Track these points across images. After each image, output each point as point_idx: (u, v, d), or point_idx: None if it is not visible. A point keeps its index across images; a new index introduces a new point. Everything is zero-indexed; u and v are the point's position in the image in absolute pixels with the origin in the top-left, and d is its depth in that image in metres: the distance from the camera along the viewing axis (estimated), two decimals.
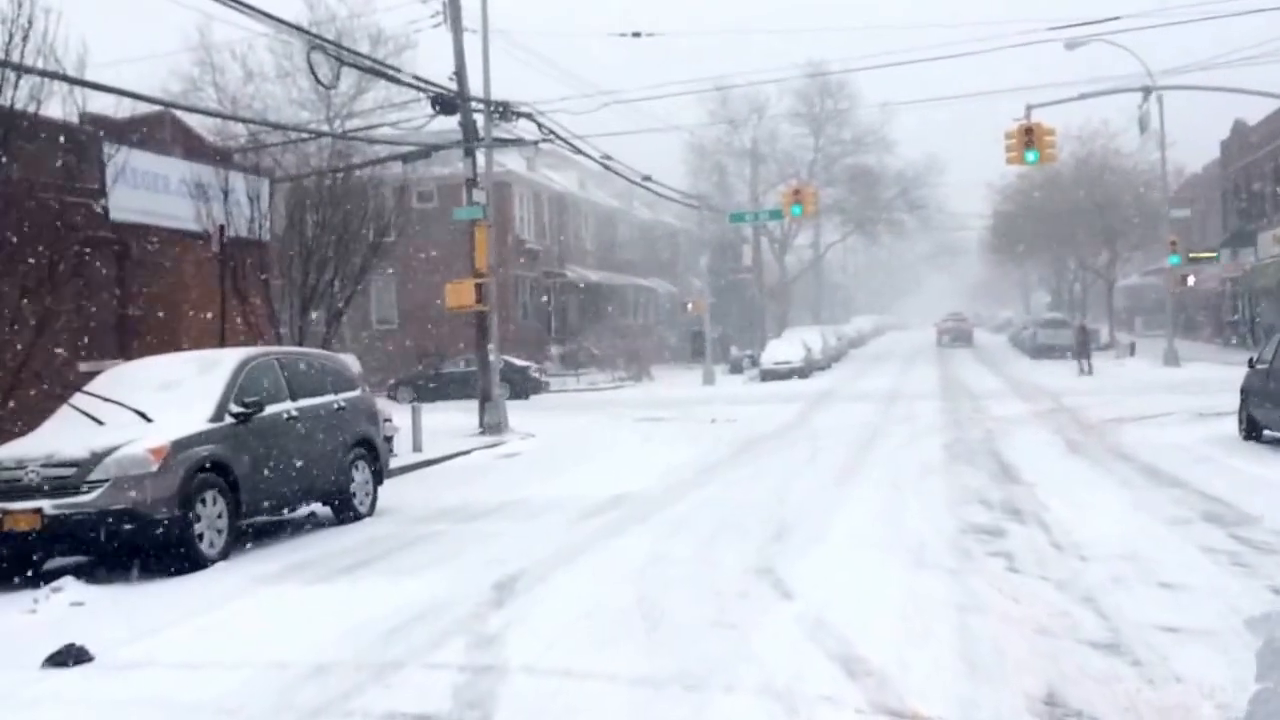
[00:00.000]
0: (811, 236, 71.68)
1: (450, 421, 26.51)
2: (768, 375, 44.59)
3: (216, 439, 10.61)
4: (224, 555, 10.45)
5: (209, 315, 19.93)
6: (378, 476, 13.43)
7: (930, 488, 13.38)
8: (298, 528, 12.56)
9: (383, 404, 32.38)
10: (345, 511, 12.66)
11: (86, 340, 19.19)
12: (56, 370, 16.09)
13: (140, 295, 20.34)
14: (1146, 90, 29.52)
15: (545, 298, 50.74)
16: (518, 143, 26.53)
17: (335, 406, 12.64)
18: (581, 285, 53.75)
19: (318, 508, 12.92)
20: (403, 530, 12.06)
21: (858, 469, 15.57)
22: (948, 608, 7.49)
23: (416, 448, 20.36)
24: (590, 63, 43.76)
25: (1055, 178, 55.94)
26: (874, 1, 63.99)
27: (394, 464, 18.80)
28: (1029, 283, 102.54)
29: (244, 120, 24.64)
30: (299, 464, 11.69)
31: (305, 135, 32.84)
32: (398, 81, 24.19)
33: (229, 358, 11.57)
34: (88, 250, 19.68)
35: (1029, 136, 27.40)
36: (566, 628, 7.41)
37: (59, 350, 16.87)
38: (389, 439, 19.60)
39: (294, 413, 11.79)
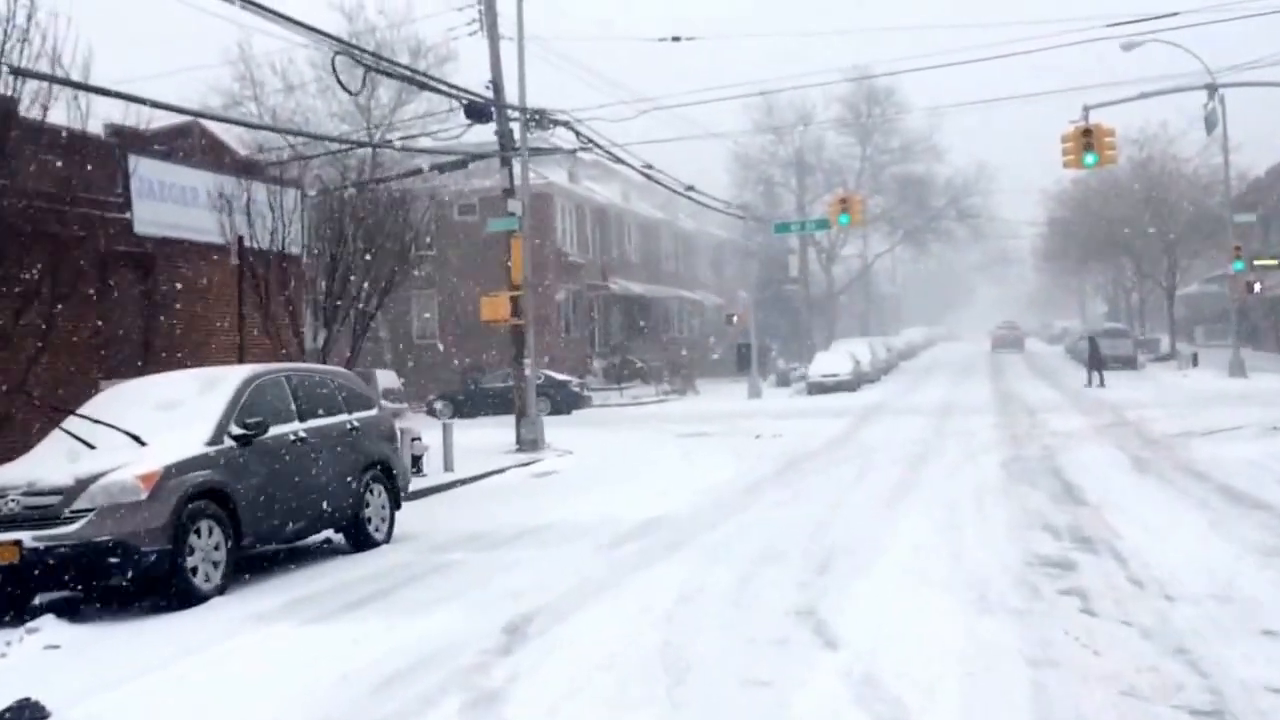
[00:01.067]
0: (859, 246, 70.48)
1: (487, 438, 25.74)
2: (815, 388, 43.51)
3: (214, 463, 9.84)
4: (221, 589, 9.67)
5: (235, 331, 19.35)
6: (395, 501, 12.61)
7: (989, 511, 12.36)
8: (309, 556, 11.78)
9: (412, 421, 31.89)
10: (360, 539, 11.86)
11: (109, 357, 18.68)
12: (80, 389, 15.53)
13: (166, 311, 19.79)
14: (1211, 88, 28.24)
15: (588, 311, 50.00)
16: (555, 151, 25.80)
17: (348, 427, 11.85)
18: (625, 298, 52.97)
19: (332, 534, 12.14)
20: (419, 559, 11.23)
21: (909, 489, 14.56)
22: (1017, 661, 6.51)
23: (448, 467, 19.59)
24: (629, 69, 42.99)
25: (1112, 183, 54.48)
26: (921, 2, 62.63)
27: (423, 484, 18.07)
28: (1085, 292, 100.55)
29: (271, 129, 24.04)
30: (307, 489, 10.91)
31: (343, 145, 32.35)
32: (429, 88, 23.55)
33: (232, 376, 10.80)
34: (110, 265, 19.21)
35: (1087, 138, 26.22)
36: (579, 682, 6.52)
37: (72, 369, 16.31)
38: (417, 458, 18.87)
39: (302, 434, 11.01)
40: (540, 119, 24.15)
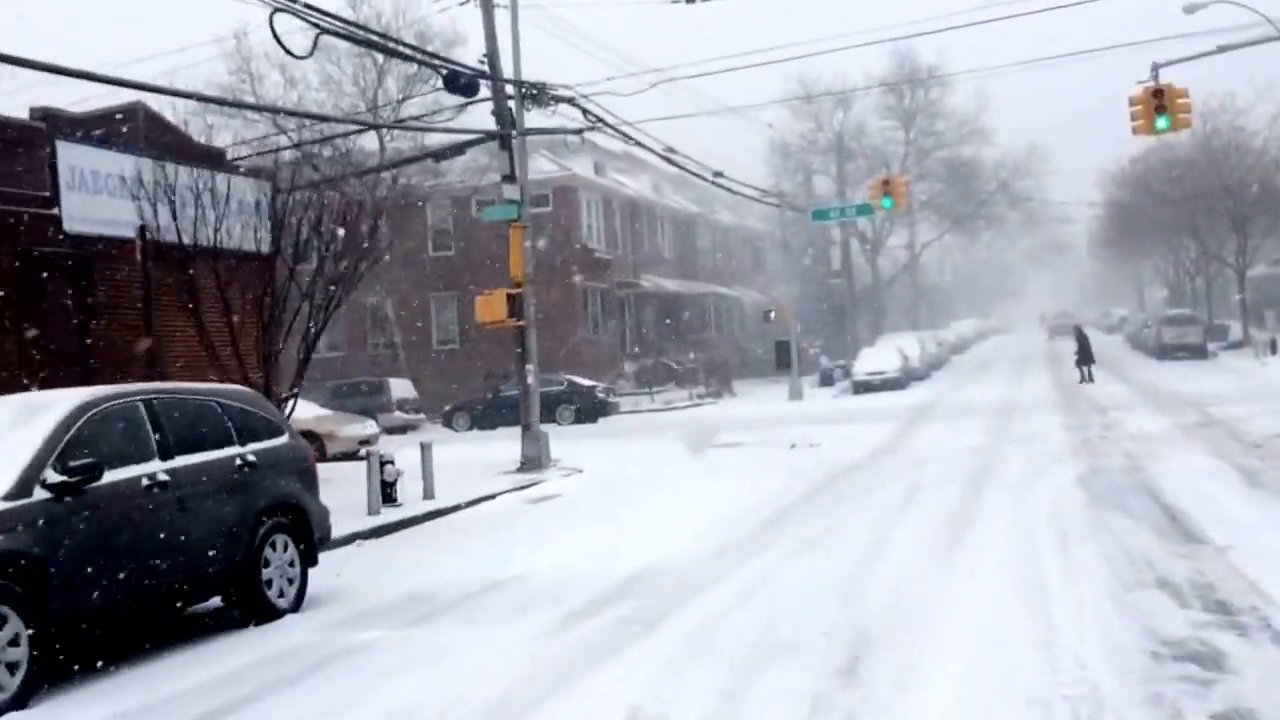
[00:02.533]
0: (905, 237, 67.18)
1: (490, 455, 23.08)
2: (860, 387, 40.52)
3: (14, 523, 7.18)
4: (18, 701, 7.00)
5: (191, 340, 16.83)
6: (309, 555, 9.90)
7: (1078, 556, 9.43)
8: (192, 633, 9.11)
9: (428, 434, 29.26)
10: (254, 608, 9.15)
11: (47, 374, 16.20)
12: None
13: (105, 317, 17.29)
14: None
15: (619, 310, 47.27)
16: (559, 132, 23.07)
17: (238, 463, 9.14)
18: (658, 296, 50.18)
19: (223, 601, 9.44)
20: (320, 640, 8.50)
21: (969, 522, 11.64)
22: None
23: (428, 494, 16.90)
24: (646, 44, 40.06)
25: (1174, 161, 50.92)
26: None
27: (395, 516, 15.41)
28: (1142, 279, 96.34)
29: (220, 101, 21.26)
30: (167, 548, 8.23)
31: (351, 127, 29.88)
32: (401, 55, 20.91)
33: (56, 405, 8.04)
34: (37, 267, 16.74)
35: (1158, 100, 23.06)
36: None
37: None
38: (390, 485, 16.21)
39: (163, 476, 8.31)
40: (539, 94, 21.39)
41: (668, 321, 51.19)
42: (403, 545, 13.59)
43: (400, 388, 37.72)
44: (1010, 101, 65.01)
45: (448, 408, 36.88)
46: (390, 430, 36.08)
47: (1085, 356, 37.00)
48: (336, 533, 13.94)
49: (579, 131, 22.83)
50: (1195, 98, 48.67)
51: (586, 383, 35.87)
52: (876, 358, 42.50)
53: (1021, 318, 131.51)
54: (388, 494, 16.16)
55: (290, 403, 14.99)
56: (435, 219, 43.80)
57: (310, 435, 26.72)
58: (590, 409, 34.99)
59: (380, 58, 37.67)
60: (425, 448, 17.25)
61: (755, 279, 66.65)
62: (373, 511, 15.44)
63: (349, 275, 15.94)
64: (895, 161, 58.85)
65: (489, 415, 35.67)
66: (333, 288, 15.82)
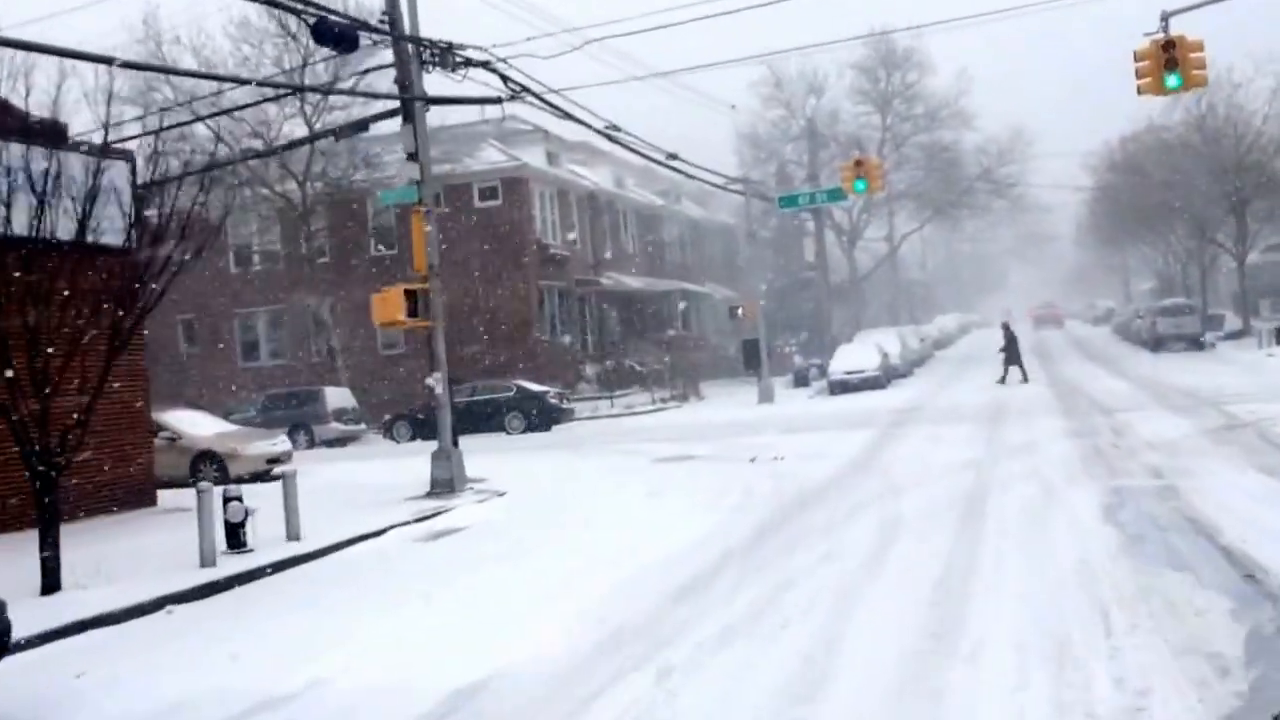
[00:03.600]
0: (884, 228, 64.14)
1: (407, 474, 19.89)
2: (837, 387, 37.39)
3: None
4: None
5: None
6: None
7: (1133, 663, 6.23)
8: None
9: (367, 445, 25.96)
10: None
11: None
12: None
13: None
14: None
15: (578, 310, 44.02)
16: (475, 102, 19.77)
17: None
18: (621, 294, 46.96)
19: None
20: None
21: (966, 593, 8.41)
22: None
23: (292, 534, 13.61)
24: (591, 12, 36.76)
25: (1164, 148, 47.97)
26: None
27: (235, 567, 12.13)
28: (1128, 269, 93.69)
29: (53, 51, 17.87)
30: None
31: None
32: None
33: None
34: None
35: (1168, 54, 19.89)
36: None
37: None
38: (236, 527, 12.93)
39: None
40: (445, 55, 18.11)
41: (632, 321, 47.99)
42: (217, 613, 10.33)
43: (338, 397, 34.40)
44: (993, 85, 62.14)
45: (388, 417, 33.60)
46: (328, 443, 32.86)
47: (1012, 355, 34.04)
48: (149, 593, 10.79)
49: (497, 100, 19.56)
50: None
51: (537, 388, 32.62)
52: (854, 355, 39.38)
53: (1004, 310, 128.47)
54: (235, 538, 12.90)
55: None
56: (378, 216, 40.48)
57: (209, 455, 23.58)
58: (542, 416, 31.76)
59: (307, 43, 34.42)
60: (288, 479, 13.89)
61: (727, 275, 63.54)
62: (207, 563, 12.18)
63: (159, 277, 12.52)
64: (871, 148, 55.76)
65: (434, 424, 32.39)
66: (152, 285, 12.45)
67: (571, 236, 43.88)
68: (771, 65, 52.26)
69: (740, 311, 37.25)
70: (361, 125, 21.04)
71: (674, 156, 29.51)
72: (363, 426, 34.20)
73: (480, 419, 31.91)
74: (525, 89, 20.07)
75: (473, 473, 19.22)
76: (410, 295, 17.04)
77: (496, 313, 39.44)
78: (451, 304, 40.07)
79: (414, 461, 21.73)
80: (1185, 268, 63.46)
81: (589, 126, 23.38)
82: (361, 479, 20.53)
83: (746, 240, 36.80)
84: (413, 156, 17.72)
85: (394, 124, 19.75)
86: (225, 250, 40.04)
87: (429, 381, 17.95)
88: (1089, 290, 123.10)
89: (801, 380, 41.77)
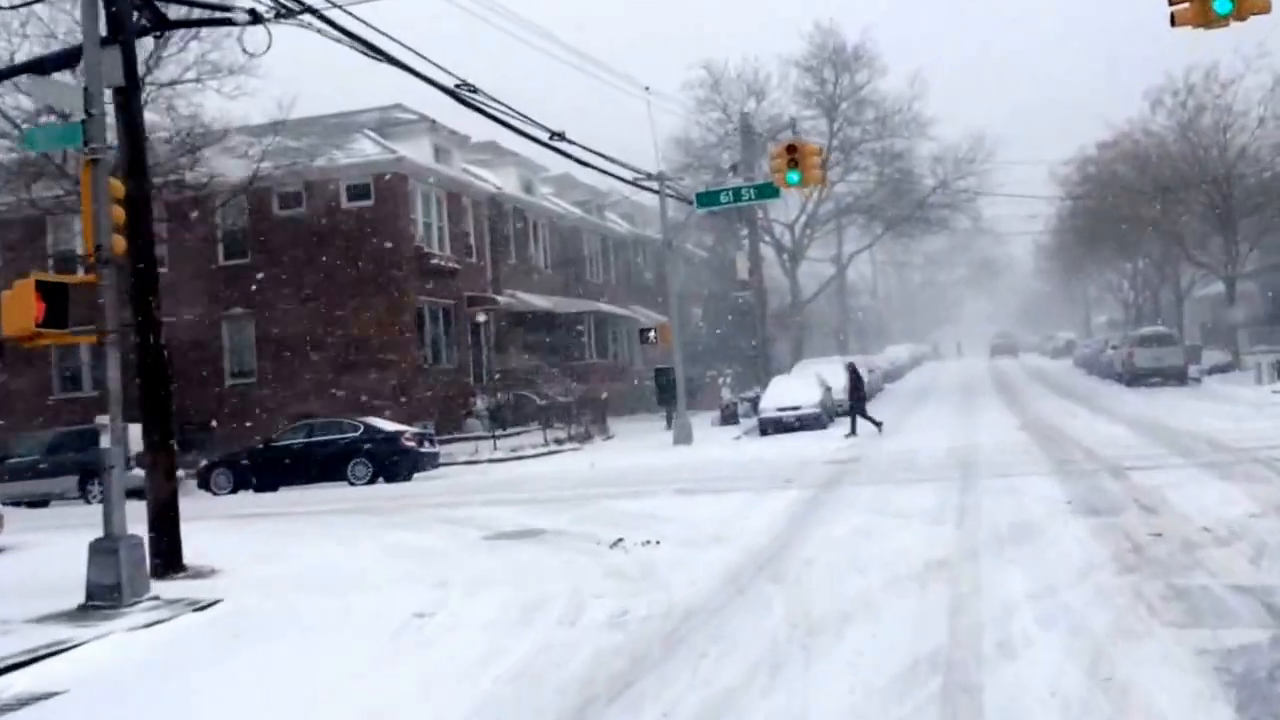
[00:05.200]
0: (830, 247, 58.50)
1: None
2: (770, 426, 31.48)
3: None
4: None
5: None
6: None
7: None
8: None
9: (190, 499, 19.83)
10: None
11: None
12: None
13: None
14: None
15: (470, 332, 37.74)
16: (211, 23, 13.56)
17: None
18: (527, 315, 40.75)
19: None
20: None
21: None
22: None
23: None
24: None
25: (1143, 149, 42.69)
26: None
27: None
28: (1089, 299, 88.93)
29: None
30: None
31: None
32: None
33: None
34: None
35: None
36: None
37: None
38: None
39: None
40: None
41: (540, 347, 41.78)
42: None
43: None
44: (952, 90, 56.90)
45: (204, 463, 27.05)
46: (131, 493, 26.32)
47: (858, 402, 28.29)
48: None
49: (254, 19, 13.33)
50: (1176, 72, 40.46)
51: (391, 427, 26.25)
52: (791, 389, 33.45)
53: (957, 342, 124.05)
54: None
55: None
56: (228, 219, 34.03)
57: None
58: (396, 463, 25.44)
59: None
60: None
61: (660, 300, 57.53)
62: None
63: None
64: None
65: (264, 471, 25.98)
66: None
67: (465, 247, 37.67)
68: (710, 65, 46.71)
69: (653, 335, 31.06)
70: (35, 67, 14.63)
71: (560, 136, 23.44)
72: (181, 474, 27.59)
73: (317, 467, 25.62)
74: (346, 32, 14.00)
75: (212, 555, 13.05)
76: (50, 292, 10.66)
77: (364, 334, 33.07)
78: (306, 324, 33.69)
79: (207, 531, 15.46)
80: (1158, 293, 58.32)
81: (418, 75, 17.21)
82: (37, 569, 14.06)
83: (665, 250, 30.67)
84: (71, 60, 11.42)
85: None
86: (44, 259, 33.42)
87: (99, 422, 11.58)
88: (1045, 322, 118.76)
89: (730, 417, 35.71)
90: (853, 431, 27.30)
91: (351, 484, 25.35)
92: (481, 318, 37.97)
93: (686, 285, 59.68)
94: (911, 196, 50.69)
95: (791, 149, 24.39)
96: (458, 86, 18.53)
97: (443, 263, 35.29)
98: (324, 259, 33.44)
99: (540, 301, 41.03)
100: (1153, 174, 41.78)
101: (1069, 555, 9.91)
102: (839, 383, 37.25)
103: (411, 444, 25.80)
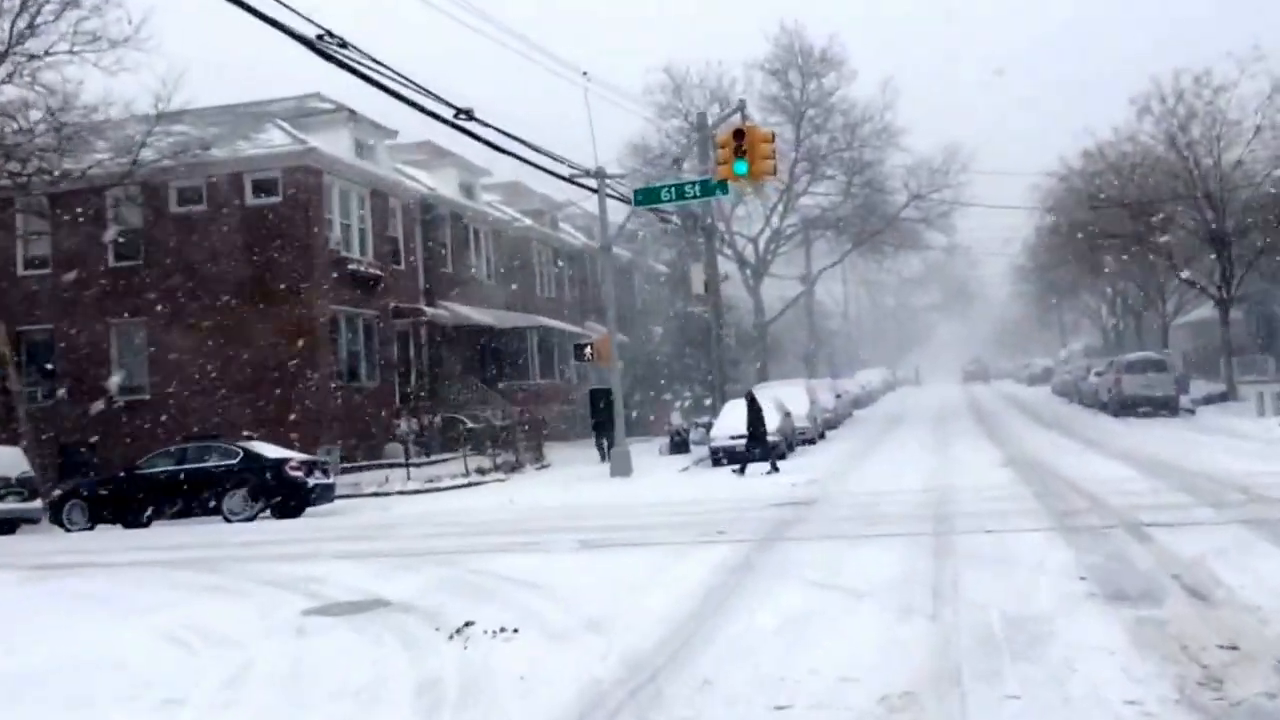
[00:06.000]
0: (798, 265, 55.19)
1: None
2: (721, 456, 28.09)
3: None
4: None
5: None
6: None
7: None
8: None
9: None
10: None
11: None
12: None
13: None
14: None
15: (398, 347, 34.12)
16: None
17: None
18: (463, 330, 37.19)
19: None
20: None
21: None
22: None
23: None
24: None
25: (1123, 162, 39.60)
26: None
27: None
28: (1064, 323, 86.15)
29: None
30: None
31: None
32: None
33: None
34: None
35: None
36: None
37: None
38: None
39: None
40: None
41: (479, 364, 38.20)
42: None
43: (5, 460, 24.12)
44: (925, 101, 53.93)
45: (57, 493, 23.35)
46: None
47: (757, 436, 24.84)
48: None
49: None
50: (1164, 78, 37.36)
51: (274, 454, 22.59)
52: (745, 415, 29.95)
53: (929, 368, 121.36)
54: None
55: None
56: (119, 216, 30.35)
57: None
58: (277, 496, 21.79)
59: None
60: None
61: (622, 319, 54.10)
62: None
63: None
64: (783, 165, 46.92)
65: (125, 503, 22.31)
66: None
67: (392, 253, 34.10)
68: (670, 69, 43.49)
69: (589, 352, 27.45)
70: None
71: (468, 115, 19.95)
72: (37, 505, 23.89)
73: (187, 499, 21.92)
74: None
75: None
76: None
77: (270, 345, 29.39)
78: (206, 333, 29.51)
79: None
80: (1141, 317, 55.27)
81: (284, 29, 13.70)
82: None
83: (602, 253, 27.14)
84: None
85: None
86: None
87: None
88: (1019, 348, 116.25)
89: (680, 445, 32.18)
90: (773, 468, 23.89)
91: (228, 520, 21.69)
92: (410, 331, 34.38)
93: (648, 303, 56.27)
94: (882, 211, 47.44)
95: (739, 135, 21.03)
96: (319, 38, 15.04)
97: (363, 268, 31.68)
98: (226, 261, 29.77)
99: (479, 315, 37.45)
100: (1139, 186, 38.68)
101: (1104, 687, 6.39)
102: (801, 407, 33.89)
103: (298, 473, 22.15)
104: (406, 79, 17.48)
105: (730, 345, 46.50)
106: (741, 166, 20.82)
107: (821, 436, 35.71)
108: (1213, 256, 39.03)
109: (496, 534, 16.31)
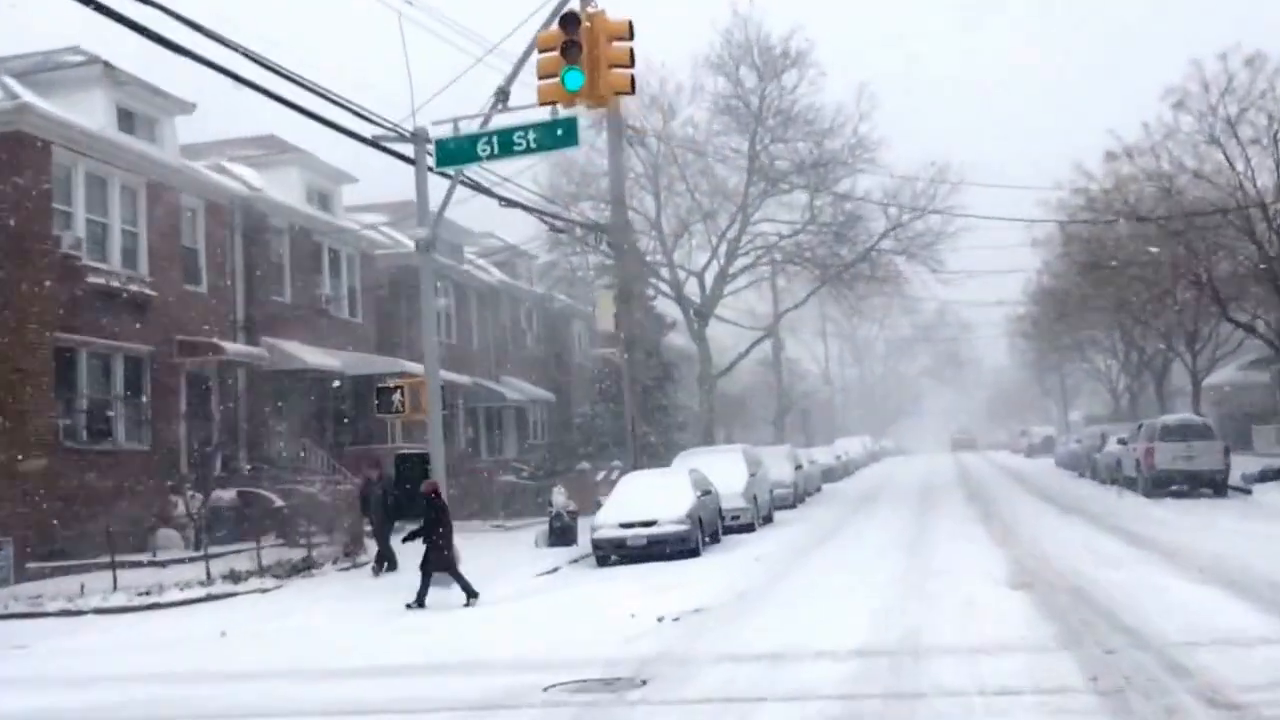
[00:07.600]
0: (762, 306, 46.63)
1: None
2: (609, 553, 19.55)
3: None
4: None
5: None
6: None
7: None
8: None
9: None
10: None
11: None
12: None
13: None
14: None
15: (187, 396, 25.18)
16: None
17: None
18: (290, 375, 28.32)
19: None
20: None
21: None
22: None
23: None
24: None
25: (1157, 169, 31.13)
26: None
27: None
28: (1065, 388, 77.88)
29: None
30: None
31: None
32: None
33: None
34: None
35: None
36: None
37: None
38: None
39: None
40: None
41: (325, 425, 29.37)
42: None
43: None
44: (911, 112, 45.72)
45: None
46: None
47: (432, 541, 15.93)
48: None
49: None
50: (1206, 61, 29.14)
51: None
52: (648, 495, 21.01)
53: (919, 438, 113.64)
54: None
55: None
56: None
57: None
58: None
59: None
60: None
61: (546, 368, 45.57)
62: None
63: None
64: (735, 179, 38.60)
65: None
66: None
67: (181, 267, 25.31)
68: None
69: (398, 399, 18.33)
70: None
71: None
72: None
73: None
74: None
75: None
76: None
77: None
78: None
79: None
80: (1162, 375, 46.52)
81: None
82: None
83: (421, 254, 18.28)
84: None
85: None
86: None
87: None
88: (1013, 416, 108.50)
89: (562, 534, 23.16)
90: (418, 601, 15.09)
91: None
92: (215, 376, 25.59)
93: (590, 348, 47.79)
94: (855, 242, 38.89)
95: (569, 24, 12.29)
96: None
97: (120, 284, 22.85)
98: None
99: (319, 358, 28.61)
100: (1175, 200, 30.29)
101: None
102: (738, 481, 25.22)
103: None
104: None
105: (666, 406, 37.83)
106: (575, 78, 12.19)
107: (768, 520, 26.95)
108: (1259, 289, 30.69)
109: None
